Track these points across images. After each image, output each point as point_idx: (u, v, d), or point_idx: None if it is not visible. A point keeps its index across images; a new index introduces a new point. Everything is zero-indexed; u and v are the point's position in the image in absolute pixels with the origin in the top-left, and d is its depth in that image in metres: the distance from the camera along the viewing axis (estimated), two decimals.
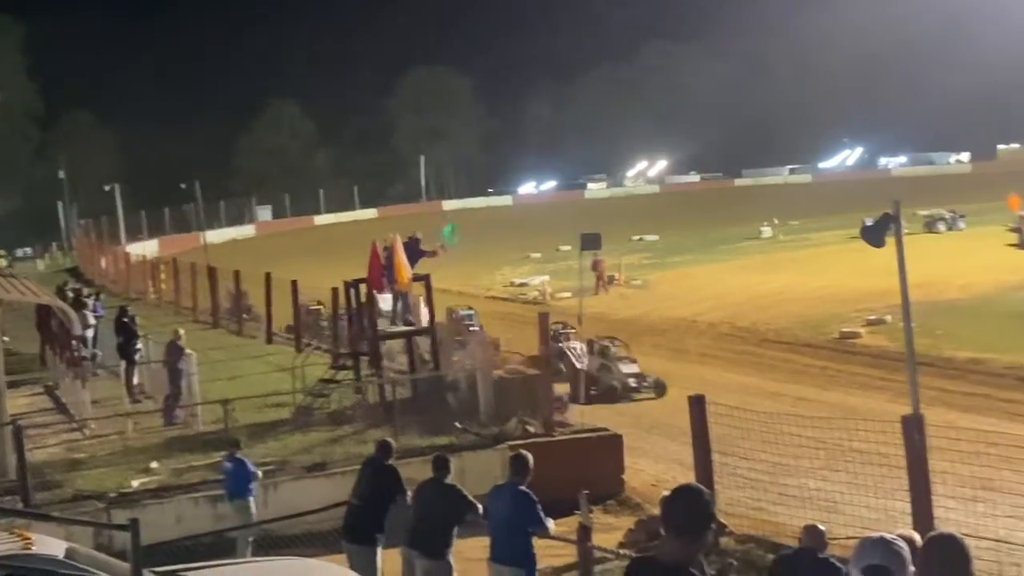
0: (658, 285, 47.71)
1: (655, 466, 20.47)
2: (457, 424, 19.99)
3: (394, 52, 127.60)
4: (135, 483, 17.80)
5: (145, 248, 72.58)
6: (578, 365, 27.90)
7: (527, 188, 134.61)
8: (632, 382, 28.09)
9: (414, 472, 13.36)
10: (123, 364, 25.50)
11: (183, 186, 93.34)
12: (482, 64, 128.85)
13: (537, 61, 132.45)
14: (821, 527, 9.41)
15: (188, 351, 23.23)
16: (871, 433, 20.78)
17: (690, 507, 5.37)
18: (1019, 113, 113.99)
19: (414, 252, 23.19)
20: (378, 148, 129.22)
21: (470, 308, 32.88)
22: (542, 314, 21.73)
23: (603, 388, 27.91)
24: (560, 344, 28.37)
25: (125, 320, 26.04)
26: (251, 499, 15.46)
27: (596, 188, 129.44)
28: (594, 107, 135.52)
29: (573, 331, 29.64)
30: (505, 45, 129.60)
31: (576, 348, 28.60)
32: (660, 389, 27.64)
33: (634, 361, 28.96)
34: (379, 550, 12.72)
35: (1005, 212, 56.43)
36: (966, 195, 72.11)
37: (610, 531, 16.01)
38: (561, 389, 23.65)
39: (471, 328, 28.88)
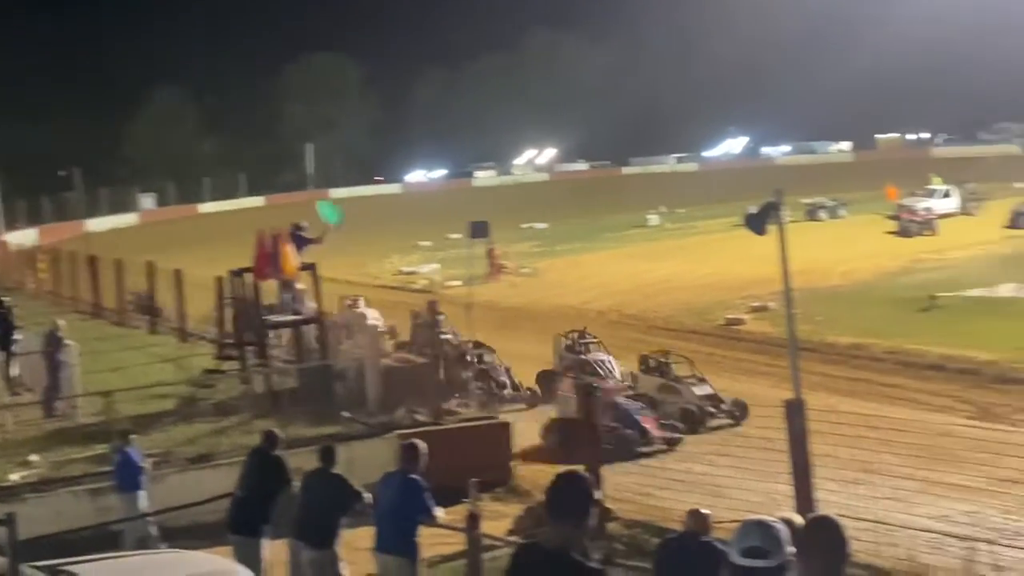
0: (547, 273, 47.85)
1: (545, 454, 20.55)
2: (345, 413, 19.88)
3: (282, 39, 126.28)
4: (14, 477, 17.42)
5: (24, 237, 70.96)
6: (610, 382, 24.01)
7: (416, 176, 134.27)
8: (708, 406, 22.87)
9: (301, 462, 13.23)
10: (1, 356, 24.90)
11: (62, 173, 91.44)
12: (370, 52, 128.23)
13: (426, 49, 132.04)
14: (705, 511, 9.52)
15: (68, 342, 22.79)
16: (755, 418, 21.16)
17: (571, 493, 5.43)
18: (897, 102, 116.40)
19: (299, 240, 22.99)
20: (265, 136, 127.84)
21: (440, 314, 29.83)
22: (431, 301, 21.71)
23: (671, 413, 22.65)
24: (582, 356, 25.42)
25: (1, 311, 25.42)
26: (140, 492, 15.21)
27: (485, 176, 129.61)
28: (483, 95, 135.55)
29: (595, 340, 26.39)
30: (393, 33, 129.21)
31: (605, 361, 25.15)
32: (741, 412, 22.55)
33: (703, 380, 23.72)
34: (265, 541, 12.60)
35: (885, 200, 57.69)
36: (847, 183, 73.45)
37: (499, 518, 16.04)
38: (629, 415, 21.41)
39: (443, 335, 27.52)
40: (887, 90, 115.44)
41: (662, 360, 24.55)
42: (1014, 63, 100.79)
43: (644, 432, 20.97)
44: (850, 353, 28.39)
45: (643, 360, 24.85)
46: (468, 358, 25.45)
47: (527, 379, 26.16)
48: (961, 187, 60.31)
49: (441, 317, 28.66)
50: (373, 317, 27.63)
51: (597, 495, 5.58)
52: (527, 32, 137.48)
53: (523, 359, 27.45)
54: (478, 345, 26.19)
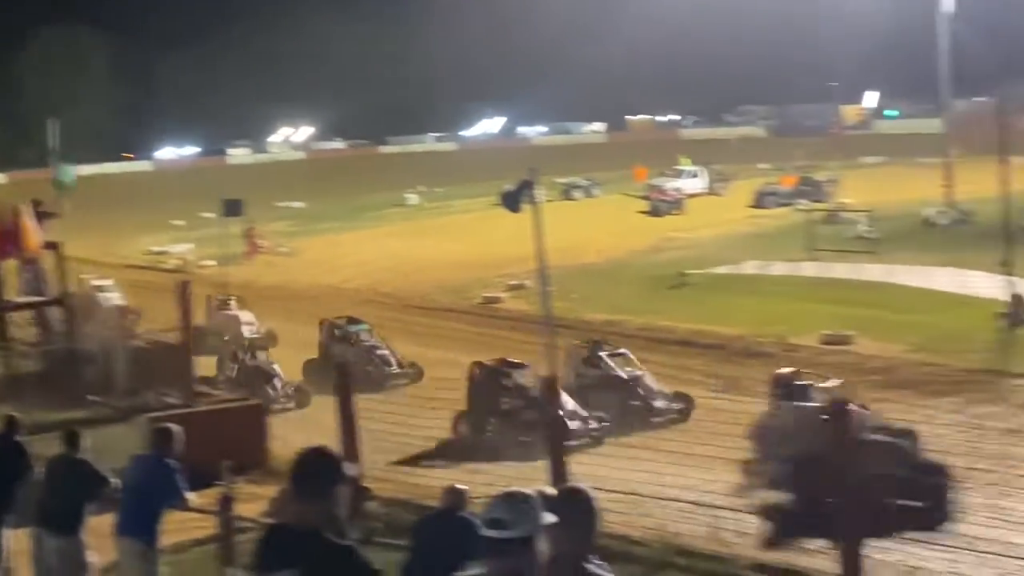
0: (305, 252, 47.40)
1: (308, 436, 20.28)
2: (91, 397, 19.22)
3: (22, 9, 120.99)
4: None
5: None
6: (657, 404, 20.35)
7: (167, 153, 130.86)
8: None
9: (44, 448, 12.67)
10: None
11: None
12: (117, 24, 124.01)
13: (175, 21, 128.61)
14: (461, 487, 9.55)
15: None
16: None
17: (316, 470, 5.32)
18: (648, 84, 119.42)
19: (39, 216, 22.10)
20: (4, 111, 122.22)
21: (360, 322, 26.78)
22: (183, 282, 21.11)
23: None
24: (613, 372, 21.56)
25: None
26: None
27: (240, 154, 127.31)
28: (237, 70, 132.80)
29: (620, 351, 22.58)
30: (142, 4, 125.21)
31: (642, 377, 21.31)
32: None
33: (864, 407, 15.94)
34: (6, 531, 12.06)
35: (635, 180, 59.19)
36: (601, 163, 74.96)
37: (255, 501, 15.74)
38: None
39: (374, 348, 25.32)
40: (639, 72, 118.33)
41: (804, 382, 17.67)
42: (757, 47, 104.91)
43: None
44: (604, 330, 28.96)
45: (779, 382, 17.77)
46: (503, 383, 20.86)
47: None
48: (708, 168, 62.38)
49: (362, 328, 26.20)
50: (246, 320, 26.65)
51: (351, 471, 5.48)
52: (277, 6, 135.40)
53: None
54: (509, 364, 21.51)
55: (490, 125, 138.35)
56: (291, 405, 22.34)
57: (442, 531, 9.03)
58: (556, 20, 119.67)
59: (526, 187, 14.52)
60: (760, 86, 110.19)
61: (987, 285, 28.42)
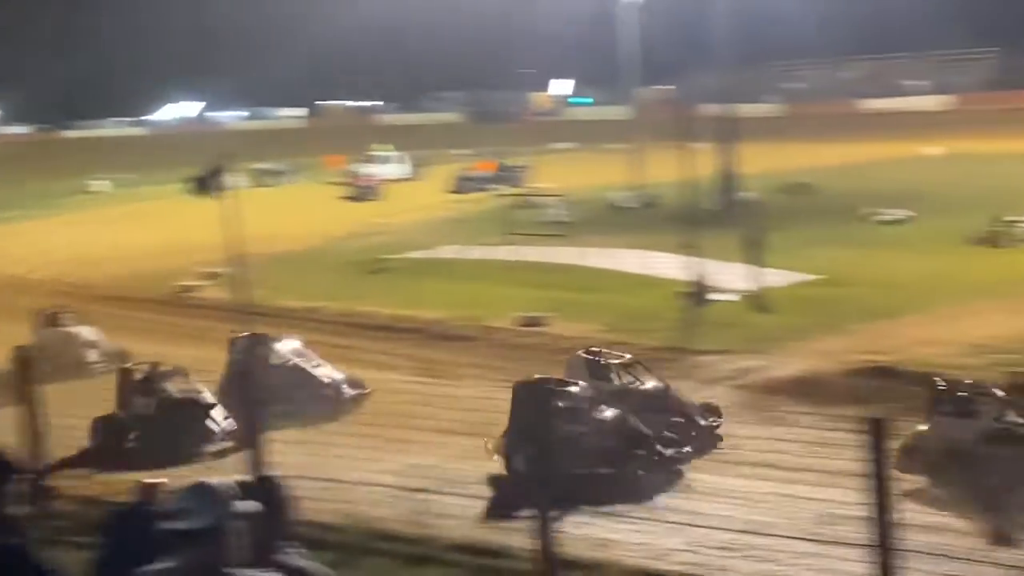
0: None
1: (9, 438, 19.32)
2: None
3: None
4: None
5: None
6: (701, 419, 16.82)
7: None
8: None
9: None
10: None
11: None
12: None
13: None
14: (153, 481, 9.32)
15: None
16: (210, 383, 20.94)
17: None
18: (348, 70, 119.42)
19: None
20: None
21: (285, 337, 21.71)
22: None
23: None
24: (630, 385, 17.44)
25: None
26: None
27: None
28: None
29: (631, 360, 18.22)
30: None
31: (671, 391, 17.43)
32: None
33: None
34: None
35: (331, 167, 58.93)
36: (300, 149, 74.34)
37: None
38: None
39: (315, 366, 20.54)
40: (338, 58, 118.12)
41: (965, 393, 15.03)
42: (454, 34, 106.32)
43: None
44: (304, 316, 28.73)
45: (937, 396, 15.31)
46: (557, 404, 15.12)
47: None
48: (408, 154, 62.76)
49: (290, 344, 21.18)
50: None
51: (26, 469, 5.28)
52: None
53: None
54: (559, 382, 16.48)
55: (184, 109, 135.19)
56: (228, 444, 17.14)
57: (132, 526, 8.78)
58: (254, 5, 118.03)
59: (217, 173, 14.24)
60: (456, 73, 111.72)
61: (672, 266, 29.55)
